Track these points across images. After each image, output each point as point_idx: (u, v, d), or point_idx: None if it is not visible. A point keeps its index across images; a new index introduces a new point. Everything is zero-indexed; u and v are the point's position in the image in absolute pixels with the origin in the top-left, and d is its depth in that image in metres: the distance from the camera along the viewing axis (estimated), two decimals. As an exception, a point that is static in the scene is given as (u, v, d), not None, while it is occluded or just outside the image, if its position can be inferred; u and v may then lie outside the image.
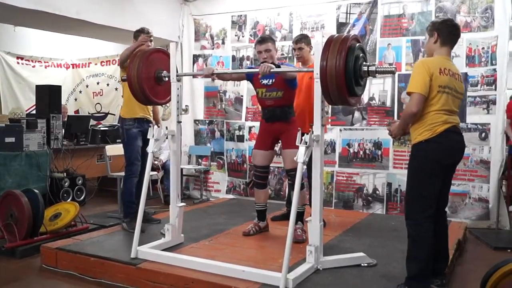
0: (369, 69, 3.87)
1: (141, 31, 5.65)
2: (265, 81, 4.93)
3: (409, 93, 3.61)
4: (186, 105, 5.00)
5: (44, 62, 10.40)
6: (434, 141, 3.58)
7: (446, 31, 3.72)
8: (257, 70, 4.55)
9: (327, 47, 3.78)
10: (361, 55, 3.88)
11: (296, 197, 3.80)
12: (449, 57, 3.80)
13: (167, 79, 4.83)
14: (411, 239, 3.67)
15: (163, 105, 7.54)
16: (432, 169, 3.60)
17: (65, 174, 7.32)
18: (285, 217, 5.55)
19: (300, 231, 4.97)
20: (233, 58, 8.00)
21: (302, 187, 4.67)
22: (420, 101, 3.55)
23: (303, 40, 5.50)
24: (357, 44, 3.88)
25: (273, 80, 4.89)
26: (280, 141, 5.12)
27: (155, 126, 4.77)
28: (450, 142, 3.63)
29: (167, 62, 4.85)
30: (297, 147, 4.54)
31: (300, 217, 4.95)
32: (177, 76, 4.79)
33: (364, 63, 3.89)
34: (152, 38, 5.68)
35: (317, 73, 3.90)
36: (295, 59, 7.13)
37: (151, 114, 5.81)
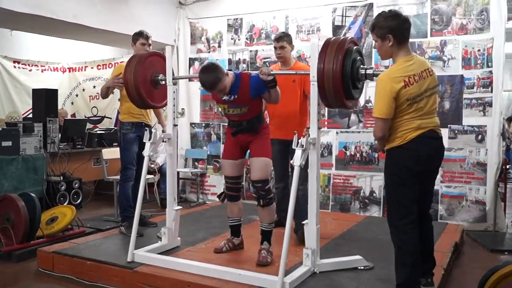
0: (367, 72, 3.82)
1: (140, 35, 5.64)
2: (226, 97, 4.37)
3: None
4: (182, 108, 5.01)
5: (41, 66, 10.37)
6: (404, 148, 3.47)
7: (401, 30, 3.50)
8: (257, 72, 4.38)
9: (324, 50, 3.74)
10: (358, 58, 3.84)
11: (293, 201, 3.78)
12: (410, 54, 3.56)
13: (163, 82, 4.82)
14: (396, 247, 3.58)
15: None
16: (404, 175, 3.50)
17: (61, 177, 7.30)
18: (277, 224, 5.30)
19: (265, 253, 4.41)
20: (229, 61, 8.00)
21: (270, 202, 4.43)
22: (385, 126, 3.47)
23: (285, 38, 5.21)
24: (355, 47, 3.83)
25: (235, 96, 4.32)
26: (249, 150, 4.60)
27: (154, 129, 4.76)
28: (423, 148, 3.49)
29: (163, 65, 4.85)
30: (267, 156, 4.41)
31: (268, 236, 4.51)
32: (173, 79, 4.79)
33: (361, 66, 3.85)
34: (150, 42, 5.67)
35: (314, 76, 3.87)
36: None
37: (151, 119, 5.81)
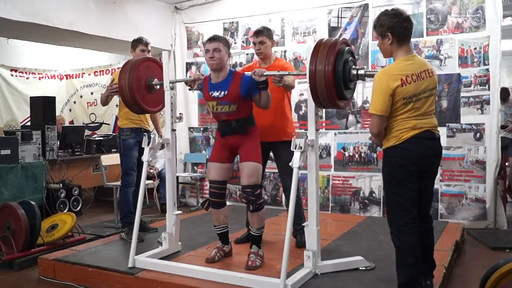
0: (358, 72, 3.83)
1: (139, 41, 5.65)
2: (215, 93, 4.32)
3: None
4: (180, 113, 4.99)
5: (38, 73, 10.40)
6: (399, 148, 3.47)
7: (400, 28, 3.48)
8: (249, 72, 4.33)
9: (316, 51, 3.76)
10: (350, 58, 3.85)
11: (293, 204, 3.78)
12: (410, 53, 3.57)
13: (158, 87, 4.83)
14: (396, 247, 3.58)
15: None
16: (400, 175, 3.50)
17: (61, 185, 7.30)
18: (249, 238, 4.99)
19: (254, 256, 4.39)
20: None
21: (260, 207, 4.36)
22: (380, 123, 3.49)
23: (264, 32, 4.93)
24: (346, 48, 3.84)
25: (226, 92, 4.28)
26: (238, 155, 4.50)
27: (153, 135, 4.77)
28: (418, 148, 3.47)
29: (157, 70, 4.88)
30: (257, 161, 4.34)
31: (257, 240, 4.50)
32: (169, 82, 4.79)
33: (353, 66, 3.87)
34: (150, 48, 5.68)
35: (310, 78, 3.90)
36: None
37: (149, 124, 5.82)
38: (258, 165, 4.35)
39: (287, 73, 4.53)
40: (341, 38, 3.94)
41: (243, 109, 4.35)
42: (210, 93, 4.37)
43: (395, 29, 3.48)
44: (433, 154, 3.62)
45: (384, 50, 3.62)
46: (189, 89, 4.80)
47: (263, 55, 5.00)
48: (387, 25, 3.50)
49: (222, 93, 4.29)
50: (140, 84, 4.78)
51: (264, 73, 4.23)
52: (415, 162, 3.49)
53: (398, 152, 3.50)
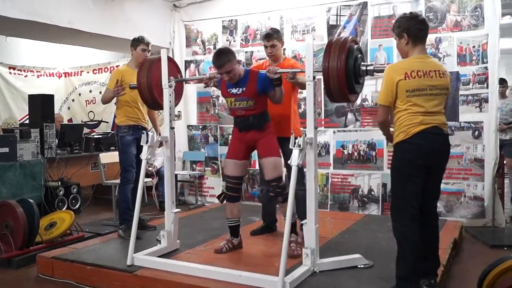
0: (368, 68, 4.00)
1: (140, 41, 5.66)
2: (234, 90, 4.56)
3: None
4: (178, 111, 5.03)
5: (37, 71, 10.39)
6: (408, 142, 3.58)
7: (415, 30, 3.66)
8: (264, 70, 4.54)
9: (328, 49, 3.92)
10: (359, 55, 4.02)
11: (291, 200, 3.79)
12: (424, 53, 3.74)
13: (174, 84, 4.90)
14: (397, 241, 3.64)
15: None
16: (408, 169, 3.58)
17: (59, 183, 7.29)
18: (265, 230, 5.46)
19: (294, 245, 4.56)
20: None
21: (285, 199, 4.39)
22: (384, 112, 3.71)
23: (274, 35, 5.07)
24: (355, 46, 4.02)
25: (243, 89, 4.52)
26: (256, 150, 4.71)
27: (152, 132, 4.78)
28: (426, 143, 3.56)
29: (172, 68, 4.97)
30: (276, 155, 4.53)
31: (293, 228, 4.58)
32: (179, 80, 4.93)
33: (362, 63, 4.02)
34: (150, 48, 5.70)
35: (309, 76, 4.02)
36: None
37: (146, 121, 5.83)
38: (278, 159, 4.60)
39: (299, 70, 4.60)
40: (350, 37, 4.03)
41: (259, 104, 4.57)
42: (228, 90, 4.62)
43: (411, 30, 3.67)
44: (440, 150, 3.69)
45: (401, 50, 3.80)
46: (205, 87, 5.19)
47: (275, 57, 5.16)
48: (403, 27, 3.70)
49: (240, 89, 4.55)
50: (158, 82, 4.87)
51: (278, 71, 4.43)
52: (422, 157, 3.57)
53: (406, 147, 3.60)
